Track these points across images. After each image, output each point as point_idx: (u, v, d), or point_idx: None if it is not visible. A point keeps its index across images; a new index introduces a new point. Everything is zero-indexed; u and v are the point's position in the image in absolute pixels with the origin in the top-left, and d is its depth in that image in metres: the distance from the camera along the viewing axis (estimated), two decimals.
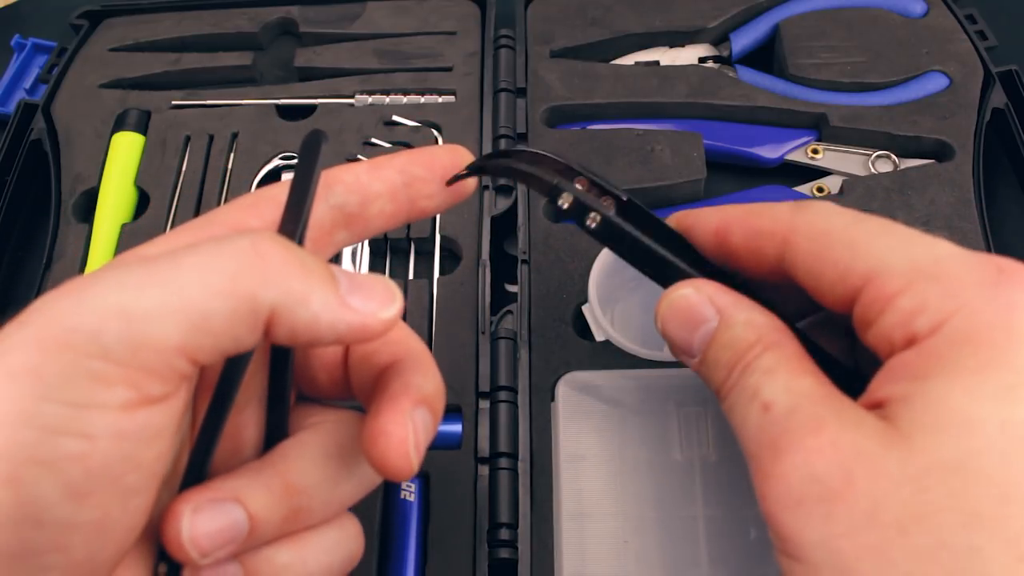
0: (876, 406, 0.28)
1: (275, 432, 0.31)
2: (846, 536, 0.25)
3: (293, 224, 0.29)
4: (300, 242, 0.29)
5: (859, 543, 0.25)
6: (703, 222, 0.35)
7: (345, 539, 0.32)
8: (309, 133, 0.30)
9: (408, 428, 0.29)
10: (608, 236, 0.34)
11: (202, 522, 0.27)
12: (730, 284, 0.34)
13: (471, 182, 0.34)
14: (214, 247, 0.25)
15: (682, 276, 0.34)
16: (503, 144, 0.59)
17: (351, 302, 0.27)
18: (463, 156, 0.34)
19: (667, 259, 0.34)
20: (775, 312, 0.32)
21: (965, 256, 0.28)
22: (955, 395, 0.26)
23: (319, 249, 0.32)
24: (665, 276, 0.34)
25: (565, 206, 0.34)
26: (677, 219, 0.36)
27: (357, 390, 0.34)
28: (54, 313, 0.24)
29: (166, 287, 0.24)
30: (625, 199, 0.35)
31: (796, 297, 0.33)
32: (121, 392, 0.24)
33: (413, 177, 0.33)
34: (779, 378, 0.29)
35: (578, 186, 0.34)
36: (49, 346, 0.23)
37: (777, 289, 0.34)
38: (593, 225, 0.34)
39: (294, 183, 0.29)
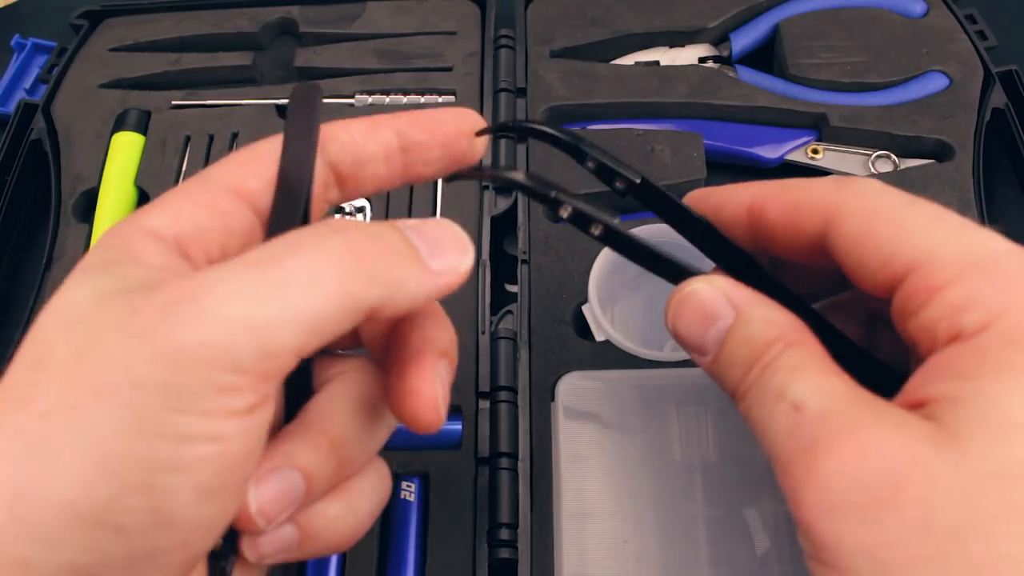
0: (917, 406, 0.27)
1: (300, 390, 0.31)
2: (895, 544, 0.24)
3: (294, 192, 0.29)
4: (305, 213, 0.29)
5: (909, 552, 0.24)
6: (734, 199, 0.34)
7: (380, 479, 0.33)
8: (301, 86, 0.29)
9: (436, 384, 0.30)
10: (614, 243, 0.33)
11: (265, 492, 0.28)
12: (755, 272, 0.33)
13: (480, 146, 0.33)
14: (313, 249, 0.26)
15: (694, 274, 0.33)
16: (503, 145, 0.59)
17: (434, 267, 0.28)
18: (470, 121, 0.33)
19: (677, 263, 0.33)
20: (797, 310, 0.31)
21: (1021, 253, 0.27)
22: (1010, 397, 0.25)
23: (312, 208, 0.32)
24: (677, 276, 0.33)
25: (565, 216, 0.33)
26: (703, 195, 0.35)
27: (367, 340, 0.34)
28: (176, 324, 0.24)
29: (284, 297, 0.24)
30: (638, 180, 0.34)
31: (821, 277, 0.32)
32: (248, 397, 0.24)
33: (412, 142, 0.32)
34: (807, 377, 0.28)
35: (589, 164, 0.34)
36: (178, 360, 0.23)
37: (804, 268, 0.34)
38: (597, 233, 0.33)
39: (287, 140, 0.29)
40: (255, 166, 0.30)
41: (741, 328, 0.30)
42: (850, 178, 0.31)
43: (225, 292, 0.24)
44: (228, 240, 0.30)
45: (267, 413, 0.26)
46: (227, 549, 0.28)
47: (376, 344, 0.34)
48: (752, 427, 0.29)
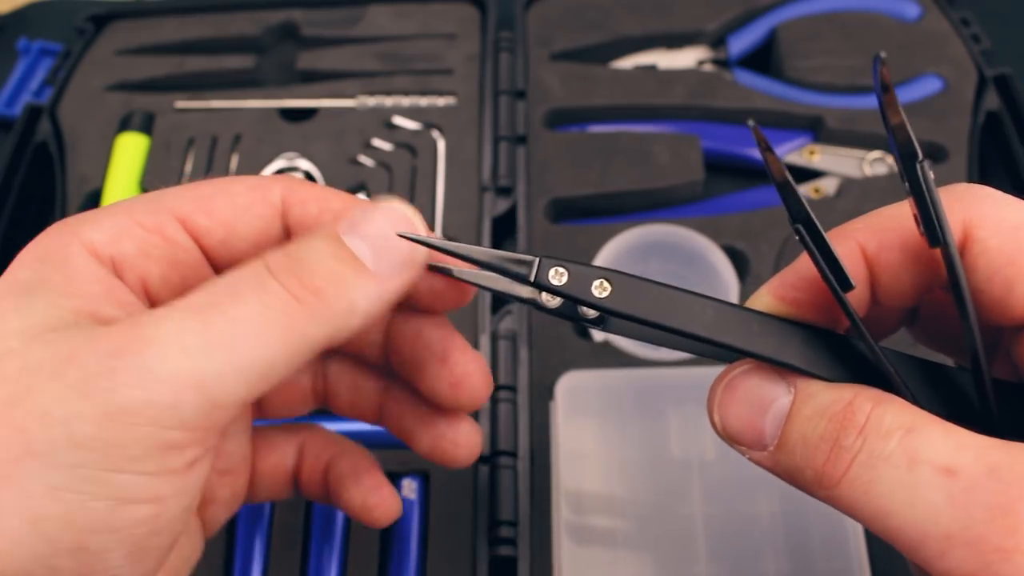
0: None
1: None
2: None
3: None
4: None
5: None
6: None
7: None
8: None
9: (479, 357, 0.32)
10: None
11: None
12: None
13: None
14: (253, 297, 0.24)
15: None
16: (503, 147, 0.59)
17: (385, 274, 0.26)
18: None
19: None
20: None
21: None
22: None
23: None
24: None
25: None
26: (780, 284, 0.28)
27: (359, 349, 0.34)
28: (120, 380, 0.22)
29: (231, 349, 0.23)
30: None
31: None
32: (191, 453, 0.24)
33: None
34: (930, 434, 0.23)
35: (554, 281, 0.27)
36: (122, 419, 0.22)
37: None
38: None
39: None
40: (213, 203, 0.29)
41: (808, 401, 0.25)
42: (971, 187, 0.27)
43: (170, 345, 0.23)
44: (170, 272, 0.28)
45: (206, 466, 0.25)
46: None
47: (373, 351, 0.33)
48: (866, 510, 0.24)
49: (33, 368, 0.23)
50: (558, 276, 0.26)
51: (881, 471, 0.23)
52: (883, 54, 0.24)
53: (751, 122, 0.25)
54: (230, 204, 0.29)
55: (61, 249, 0.26)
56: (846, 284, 0.25)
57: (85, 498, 0.22)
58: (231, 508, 0.33)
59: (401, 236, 0.27)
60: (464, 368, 0.31)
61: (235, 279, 0.25)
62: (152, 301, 0.28)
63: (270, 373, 0.24)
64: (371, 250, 0.26)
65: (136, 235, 0.27)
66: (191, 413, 0.23)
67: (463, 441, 0.33)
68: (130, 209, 0.28)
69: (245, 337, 0.24)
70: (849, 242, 0.28)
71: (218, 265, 0.29)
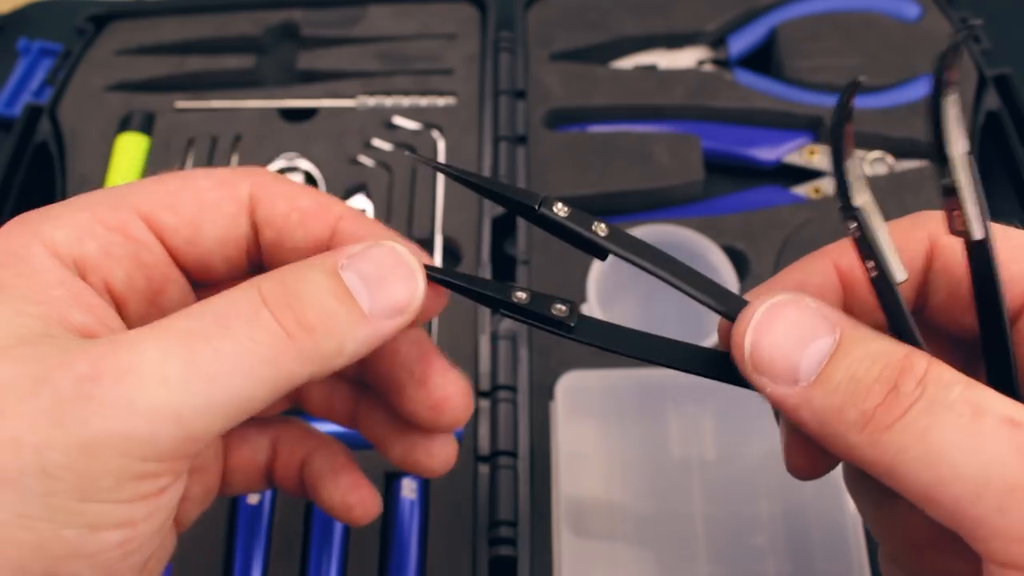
0: None
1: None
2: None
3: None
4: None
5: None
6: (815, 270, 0.28)
7: None
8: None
9: (459, 377, 0.30)
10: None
11: None
12: None
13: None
14: (244, 330, 0.24)
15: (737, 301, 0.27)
16: (503, 147, 0.60)
17: (378, 316, 0.26)
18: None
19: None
20: None
21: None
22: None
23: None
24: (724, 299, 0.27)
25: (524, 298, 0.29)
26: (769, 289, 0.29)
27: None
28: (95, 411, 0.22)
29: (214, 383, 0.23)
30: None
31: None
32: (164, 480, 0.24)
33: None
34: (992, 392, 0.23)
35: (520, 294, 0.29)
36: (96, 450, 0.22)
37: None
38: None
39: None
40: (179, 200, 0.28)
41: (859, 344, 0.24)
42: (923, 212, 0.28)
43: (150, 375, 0.22)
44: (134, 272, 0.28)
45: (179, 488, 0.25)
46: None
47: (349, 367, 0.32)
48: (918, 457, 0.23)
49: (2, 386, 0.22)
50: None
51: (942, 417, 0.23)
52: (863, 78, 0.24)
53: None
54: (196, 201, 0.28)
55: (21, 251, 0.25)
56: (898, 275, 0.25)
57: (56, 526, 0.22)
58: (204, 504, 0.33)
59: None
60: (444, 391, 0.30)
61: (226, 305, 0.24)
62: (117, 303, 0.28)
63: (248, 407, 0.24)
64: (368, 291, 0.25)
65: (98, 234, 0.27)
66: (167, 445, 0.23)
67: (437, 451, 0.32)
68: (92, 205, 0.27)
69: (231, 373, 0.23)
70: (823, 260, 0.28)
71: (183, 264, 0.29)
